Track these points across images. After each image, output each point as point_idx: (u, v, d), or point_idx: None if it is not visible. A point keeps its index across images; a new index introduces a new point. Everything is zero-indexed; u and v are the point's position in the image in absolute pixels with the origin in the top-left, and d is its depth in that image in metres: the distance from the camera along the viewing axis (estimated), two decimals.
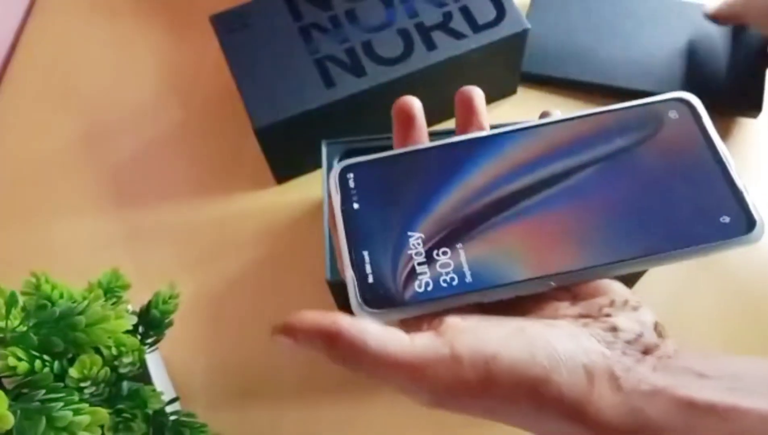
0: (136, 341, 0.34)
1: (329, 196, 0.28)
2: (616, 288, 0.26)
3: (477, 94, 0.30)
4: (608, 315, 0.25)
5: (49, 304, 0.34)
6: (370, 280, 0.26)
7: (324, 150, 0.48)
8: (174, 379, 0.49)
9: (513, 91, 0.59)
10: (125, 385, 0.36)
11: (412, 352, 0.24)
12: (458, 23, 0.52)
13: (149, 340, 0.39)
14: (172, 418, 0.39)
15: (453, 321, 0.25)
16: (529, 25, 0.52)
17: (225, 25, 0.53)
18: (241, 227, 0.56)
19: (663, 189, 0.26)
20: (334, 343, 0.24)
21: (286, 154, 0.55)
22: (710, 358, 0.24)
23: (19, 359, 0.30)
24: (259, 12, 0.54)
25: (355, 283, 0.26)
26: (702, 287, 0.51)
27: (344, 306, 0.52)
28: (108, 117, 0.62)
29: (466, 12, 0.53)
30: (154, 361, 0.44)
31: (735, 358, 0.24)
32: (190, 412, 0.40)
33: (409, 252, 0.26)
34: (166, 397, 0.39)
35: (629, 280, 0.43)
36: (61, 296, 0.35)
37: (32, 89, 0.64)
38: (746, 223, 0.25)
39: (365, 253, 0.27)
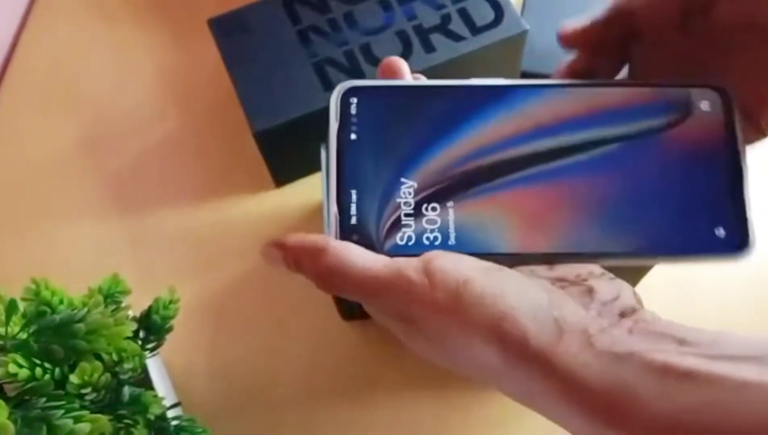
0: (136, 347, 0.34)
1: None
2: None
3: (402, 64, 0.29)
4: (585, 280, 0.24)
5: (49, 310, 0.34)
6: (353, 221, 0.25)
7: (323, 153, 0.48)
8: (175, 384, 0.49)
9: None
10: (126, 390, 0.36)
11: (390, 268, 0.24)
12: (456, 25, 0.52)
13: (150, 346, 0.39)
14: (174, 423, 0.39)
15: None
16: (527, 27, 0.52)
17: (223, 28, 0.53)
18: (241, 231, 0.56)
19: (669, 184, 0.25)
20: (320, 256, 0.24)
21: (286, 157, 0.55)
22: (689, 326, 0.23)
23: (20, 366, 0.30)
24: (257, 15, 0.54)
25: (337, 220, 0.25)
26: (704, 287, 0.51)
27: (346, 309, 0.52)
28: (107, 121, 0.62)
29: (464, 14, 0.53)
30: (155, 366, 0.44)
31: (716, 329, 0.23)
32: (192, 417, 0.40)
33: (399, 200, 0.25)
34: (167, 402, 0.39)
35: (632, 279, 0.43)
36: (61, 302, 0.35)
37: (31, 94, 0.64)
38: (739, 241, 0.24)
39: (353, 192, 0.26)
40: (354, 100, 0.27)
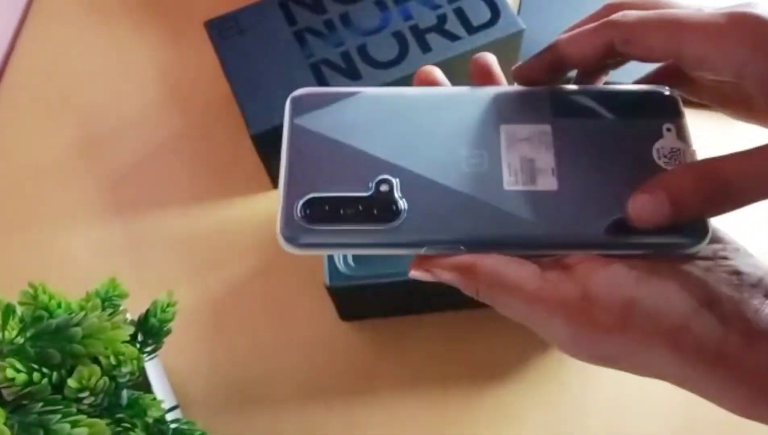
0: (134, 350, 0.34)
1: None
2: (724, 235, 0.26)
3: (492, 59, 0.30)
4: (726, 258, 0.25)
5: (47, 314, 0.34)
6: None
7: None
8: (174, 386, 0.49)
9: None
10: (125, 393, 0.36)
11: (544, 286, 0.25)
12: (453, 25, 0.52)
13: (148, 349, 0.39)
14: (173, 426, 0.39)
15: (579, 259, 0.25)
16: (524, 26, 0.52)
17: (219, 30, 0.53)
18: (240, 233, 0.56)
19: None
20: (470, 273, 0.25)
21: None
22: None
23: (18, 371, 0.30)
24: (254, 17, 0.54)
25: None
26: None
27: (345, 310, 0.52)
28: (105, 124, 0.62)
29: (460, 13, 0.52)
30: (153, 369, 0.44)
31: None
32: (191, 420, 0.40)
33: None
34: (166, 405, 0.39)
35: None
36: (59, 306, 0.35)
37: (29, 97, 0.64)
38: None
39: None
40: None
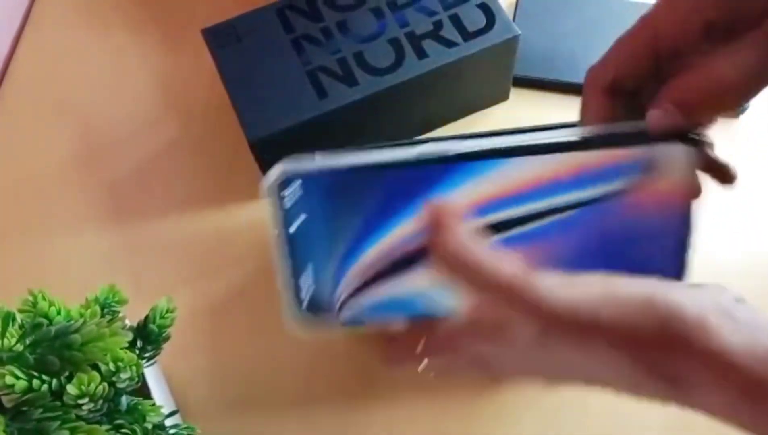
0: (133, 356, 0.34)
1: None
2: None
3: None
4: None
5: (46, 321, 0.34)
6: (304, 305, 0.26)
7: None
8: (174, 392, 0.49)
9: (505, 98, 0.59)
10: (124, 399, 0.37)
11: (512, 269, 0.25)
12: (449, 31, 0.53)
13: (147, 355, 0.39)
14: (172, 431, 0.39)
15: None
16: (519, 32, 0.52)
17: (217, 38, 0.54)
18: (239, 239, 0.56)
19: (627, 240, 0.26)
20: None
21: None
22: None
23: (17, 377, 0.30)
24: (251, 25, 0.54)
25: (290, 301, 0.26)
26: None
27: None
28: (103, 131, 0.62)
29: (456, 20, 0.53)
30: (153, 375, 0.45)
31: None
32: (190, 426, 0.40)
33: (339, 290, 0.26)
34: (165, 410, 0.39)
35: None
36: (58, 313, 0.35)
37: (27, 105, 0.64)
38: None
39: (303, 278, 0.26)
40: (294, 186, 0.26)
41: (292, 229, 0.25)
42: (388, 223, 0.26)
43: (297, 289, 0.26)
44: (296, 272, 0.26)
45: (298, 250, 0.25)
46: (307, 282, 0.26)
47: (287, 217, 0.25)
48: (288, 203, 0.25)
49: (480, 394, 0.49)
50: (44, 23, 0.69)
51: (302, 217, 0.25)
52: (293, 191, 0.26)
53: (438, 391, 0.49)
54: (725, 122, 0.58)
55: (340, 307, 0.26)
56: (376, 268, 0.26)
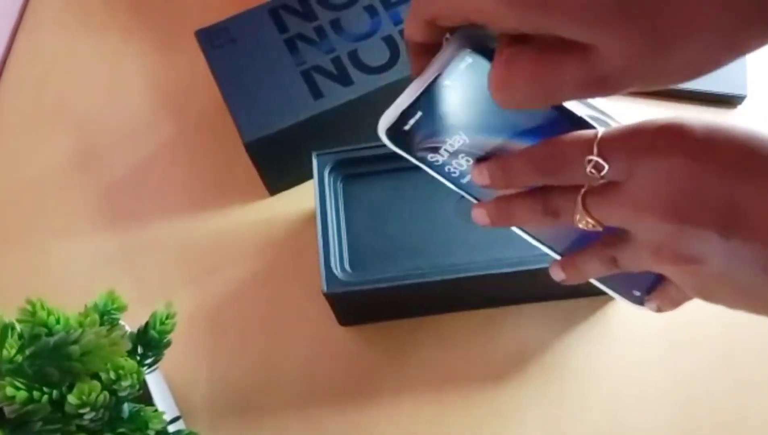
0: (134, 364, 0.34)
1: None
2: None
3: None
4: None
5: (45, 330, 0.34)
6: (406, 127, 0.28)
7: (315, 162, 0.49)
8: (176, 396, 0.49)
9: None
10: (126, 407, 0.36)
11: None
12: None
13: (148, 361, 0.39)
14: None
15: None
16: None
17: (210, 39, 0.53)
18: (237, 240, 0.56)
19: None
20: None
21: (278, 166, 0.55)
22: None
23: (17, 389, 0.30)
24: (245, 25, 0.54)
25: (395, 116, 0.28)
26: None
27: (343, 316, 0.52)
28: (100, 135, 0.62)
29: None
30: (154, 381, 0.44)
31: None
32: (193, 431, 0.40)
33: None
34: (168, 416, 0.39)
35: None
36: (57, 322, 0.35)
37: (22, 109, 0.64)
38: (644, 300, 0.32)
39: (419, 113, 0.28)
40: (467, 60, 0.28)
41: (447, 82, 0.27)
42: (526, 132, 0.28)
43: (410, 114, 0.28)
44: (423, 106, 0.28)
45: (438, 98, 0.28)
46: (417, 118, 0.28)
47: (452, 74, 0.27)
48: (462, 65, 0.27)
49: (480, 393, 0.49)
50: (39, 27, 0.68)
51: (457, 85, 0.28)
52: (470, 63, 0.27)
53: (438, 391, 0.49)
54: (723, 112, 0.57)
55: (433, 150, 0.29)
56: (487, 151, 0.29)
